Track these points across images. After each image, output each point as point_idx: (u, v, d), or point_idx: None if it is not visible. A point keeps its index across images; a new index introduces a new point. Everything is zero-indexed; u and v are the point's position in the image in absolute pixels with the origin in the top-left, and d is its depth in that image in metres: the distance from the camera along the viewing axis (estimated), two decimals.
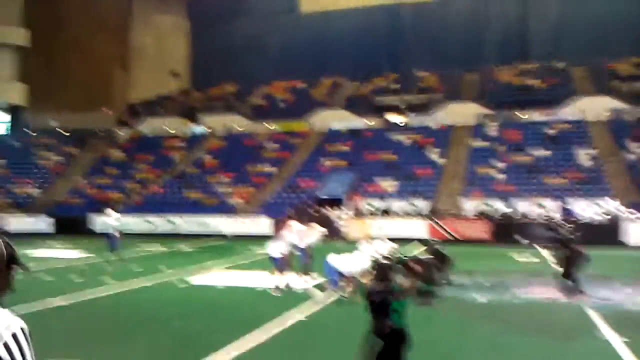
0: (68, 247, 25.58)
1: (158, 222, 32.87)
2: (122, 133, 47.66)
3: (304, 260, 14.95)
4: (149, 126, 47.53)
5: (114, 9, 53.01)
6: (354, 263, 12.31)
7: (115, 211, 22.60)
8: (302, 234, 14.40)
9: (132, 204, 35.94)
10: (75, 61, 48.37)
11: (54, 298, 12.26)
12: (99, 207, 35.17)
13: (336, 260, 12.20)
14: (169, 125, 47.04)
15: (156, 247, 25.78)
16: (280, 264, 13.39)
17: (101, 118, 48.55)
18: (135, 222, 31.11)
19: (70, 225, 33.13)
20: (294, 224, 15.05)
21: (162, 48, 55.78)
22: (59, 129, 46.27)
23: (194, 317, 10.71)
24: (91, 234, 31.92)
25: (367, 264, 12.52)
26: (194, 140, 44.69)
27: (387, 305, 5.17)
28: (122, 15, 54.40)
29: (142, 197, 37.24)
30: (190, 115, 49.07)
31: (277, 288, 13.30)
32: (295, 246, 14.00)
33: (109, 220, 20.27)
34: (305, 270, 15.01)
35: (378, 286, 5.40)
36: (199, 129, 46.83)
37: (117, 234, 19.94)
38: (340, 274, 12.20)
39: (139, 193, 38.14)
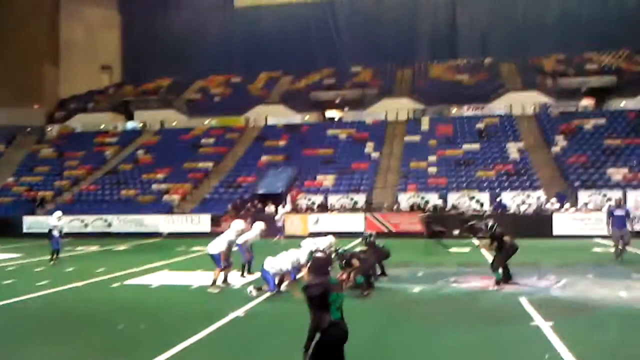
0: None
1: (90, 221, 31.96)
2: (52, 129, 46.06)
3: (243, 256, 14.94)
4: (80, 122, 46.14)
5: (40, 2, 51.00)
6: (285, 260, 12.42)
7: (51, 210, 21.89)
8: (240, 231, 14.36)
9: (63, 202, 34.82)
10: (0, 55, 46.28)
11: None
12: (28, 206, 34.05)
13: (269, 263, 12.29)
14: (101, 120, 45.80)
15: (88, 247, 25.15)
16: (219, 261, 13.32)
17: (30, 114, 46.75)
18: (67, 221, 30.08)
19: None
20: (233, 221, 15.00)
21: (93, 42, 54.08)
22: None
23: (128, 318, 10.53)
24: (21, 234, 30.79)
25: (302, 259, 12.67)
26: (127, 136, 43.69)
27: (325, 298, 5.25)
28: (50, 8, 52.34)
29: (74, 195, 36.15)
30: (123, 110, 47.89)
31: (214, 285, 13.24)
32: (232, 242, 13.94)
33: (51, 220, 19.66)
34: (244, 267, 15.01)
35: (315, 280, 5.48)
36: (132, 124, 45.80)
37: (58, 234, 19.36)
38: (275, 274, 12.30)
39: (70, 191, 37.01)
